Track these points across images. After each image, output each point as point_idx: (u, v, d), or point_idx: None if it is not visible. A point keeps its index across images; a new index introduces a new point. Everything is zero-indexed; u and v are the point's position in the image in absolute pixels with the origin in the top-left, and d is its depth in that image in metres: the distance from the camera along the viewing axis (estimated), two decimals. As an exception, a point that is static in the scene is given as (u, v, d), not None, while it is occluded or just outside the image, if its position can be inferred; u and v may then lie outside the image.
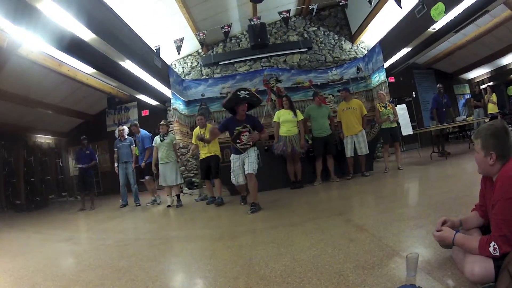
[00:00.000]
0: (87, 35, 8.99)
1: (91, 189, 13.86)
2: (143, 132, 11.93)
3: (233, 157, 8.37)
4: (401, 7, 10.92)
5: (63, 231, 9.24)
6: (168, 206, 10.61)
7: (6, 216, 14.98)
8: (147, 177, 11.34)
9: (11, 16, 7.48)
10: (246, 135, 8.05)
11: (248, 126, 8.10)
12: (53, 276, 4.64)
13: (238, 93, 7.99)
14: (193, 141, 10.64)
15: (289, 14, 12.55)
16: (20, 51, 11.53)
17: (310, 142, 11.04)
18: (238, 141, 8.11)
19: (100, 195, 17.32)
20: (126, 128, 12.12)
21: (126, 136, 12.17)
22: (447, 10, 10.61)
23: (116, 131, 12.28)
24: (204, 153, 10.24)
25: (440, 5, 10.75)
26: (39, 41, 8.71)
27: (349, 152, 10.79)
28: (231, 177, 8.47)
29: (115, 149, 12.26)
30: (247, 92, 8.07)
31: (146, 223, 8.98)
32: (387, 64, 15.07)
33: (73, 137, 20.45)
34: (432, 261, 3.10)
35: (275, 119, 10.51)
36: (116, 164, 12.19)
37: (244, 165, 8.11)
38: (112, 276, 4.23)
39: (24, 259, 5.98)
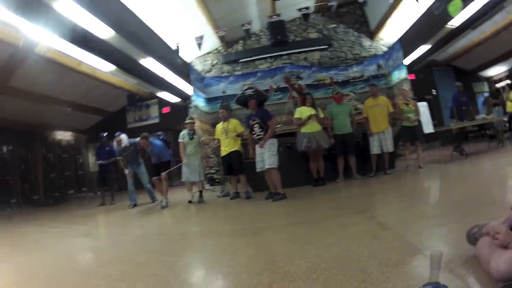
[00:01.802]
0: (106, 33, 9.05)
1: (111, 185, 13.83)
2: (156, 144, 11.29)
3: (256, 146, 9.05)
4: (417, 1, 10.85)
5: (82, 226, 9.23)
6: (189, 202, 10.58)
7: (23, 211, 15.08)
8: (163, 174, 10.96)
9: (27, 15, 7.54)
10: (257, 126, 8.98)
11: (257, 119, 9.03)
12: (71, 271, 4.61)
13: (245, 91, 9.40)
14: (216, 136, 10.68)
15: (308, 10, 12.45)
16: (37, 49, 11.58)
17: (332, 140, 10.75)
18: (252, 132, 9.08)
19: (120, 191, 17.47)
20: (123, 137, 11.60)
21: (128, 142, 11.62)
22: (464, 6, 10.53)
23: (114, 142, 11.94)
24: (225, 149, 10.28)
25: (457, 1, 10.66)
26: (57, 39, 8.79)
27: (375, 150, 10.66)
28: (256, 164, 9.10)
29: (119, 157, 11.95)
30: (253, 90, 9.36)
31: (167, 219, 8.96)
32: (406, 61, 15.05)
33: (93, 134, 20.41)
34: (455, 259, 3.03)
35: (296, 115, 10.37)
36: (127, 171, 11.82)
37: (264, 158, 8.76)
38: (133, 271, 4.20)
39: (40, 254, 5.95)
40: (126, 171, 11.77)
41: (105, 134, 13.56)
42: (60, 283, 4.06)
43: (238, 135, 10.27)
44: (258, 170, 9.03)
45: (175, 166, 11.35)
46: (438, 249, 2.79)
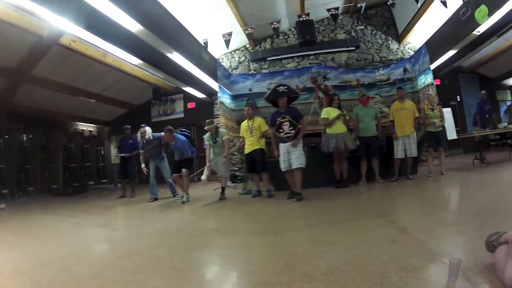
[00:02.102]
0: (134, 27, 9.08)
1: (133, 178, 13.82)
2: (179, 139, 11.19)
3: (280, 145, 8.96)
4: (446, 7, 10.76)
5: (100, 216, 9.29)
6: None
7: (41, 199, 15.13)
8: (184, 170, 10.85)
9: (52, 5, 7.57)
10: (286, 124, 8.73)
11: (288, 116, 8.78)
12: (86, 261, 4.63)
13: (277, 88, 9.14)
14: (240, 133, 10.80)
15: (338, 12, 12.41)
16: (62, 40, 11.82)
17: (357, 142, 10.72)
18: (280, 130, 8.83)
19: (141, 184, 17.57)
20: (147, 129, 11.75)
21: (151, 136, 11.73)
22: (490, 13, 10.41)
23: (138, 134, 12.06)
24: (249, 147, 10.33)
25: (484, 8, 10.55)
26: (83, 31, 8.79)
27: (399, 154, 10.59)
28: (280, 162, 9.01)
29: (141, 150, 11.97)
30: (286, 87, 9.14)
31: (187, 214, 8.95)
32: (432, 66, 14.82)
33: (116, 126, 20.69)
34: (472, 267, 3.03)
35: (323, 115, 10.36)
36: (143, 165, 11.85)
37: (291, 159, 8.68)
38: (151, 264, 4.20)
39: (56, 242, 6.00)
40: (143, 165, 11.81)
41: (129, 127, 13.54)
42: (74, 271, 4.08)
43: (262, 135, 10.25)
44: (283, 169, 8.92)
45: (198, 171, 11.62)
46: (457, 257, 2.84)
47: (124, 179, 13.69)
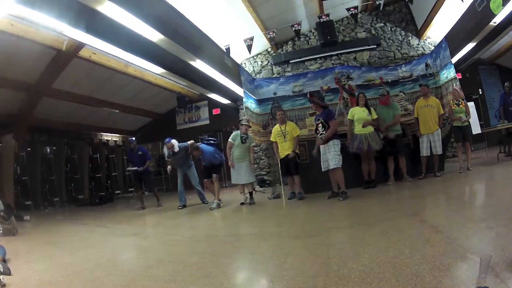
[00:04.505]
0: (154, 36, 9.09)
1: (151, 188, 13.65)
2: (206, 151, 11.14)
3: (320, 146, 9.28)
4: (462, 1, 10.66)
5: (129, 225, 9.34)
6: (242, 203, 10.59)
7: (67, 210, 15.31)
8: (214, 175, 11.00)
9: (71, 19, 7.62)
10: (320, 126, 9.17)
11: (321, 118, 9.19)
12: (118, 270, 4.65)
13: (309, 100, 9.89)
14: (272, 138, 10.84)
15: (357, 10, 12.38)
16: (82, 53, 11.93)
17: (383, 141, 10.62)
18: (317, 131, 9.32)
19: (168, 191, 17.44)
20: (174, 142, 11.60)
21: (177, 147, 11.61)
22: (504, 2, 10.27)
23: (165, 149, 11.83)
24: (283, 152, 10.41)
25: (498, -2, 10.44)
26: (102, 43, 8.85)
27: (424, 151, 10.49)
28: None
29: (168, 159, 12.00)
30: (309, 99, 10.16)
31: (218, 220, 8.98)
32: (453, 60, 14.72)
33: (142, 135, 21.36)
34: (501, 262, 3.03)
35: (349, 116, 10.42)
36: (169, 167, 12.11)
37: (328, 160, 9.01)
38: (184, 272, 4.21)
39: (86, 252, 5.98)
40: (169, 167, 12.09)
41: (133, 139, 13.36)
42: (104, 282, 4.10)
43: (295, 143, 10.35)
44: (323, 170, 9.17)
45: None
46: (487, 254, 2.92)
47: (140, 190, 13.42)
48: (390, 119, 10.55)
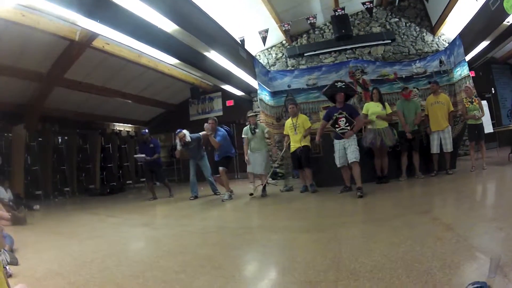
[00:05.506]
0: (169, 27, 9.11)
1: (161, 180, 13.56)
2: (220, 130, 11.15)
3: (335, 141, 9.11)
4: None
5: (140, 216, 9.35)
6: (251, 194, 10.60)
7: (77, 200, 15.31)
8: (221, 169, 10.88)
9: (84, 10, 7.66)
10: (343, 120, 8.80)
11: (344, 112, 8.83)
12: (128, 261, 4.65)
13: (336, 83, 9.20)
14: (285, 131, 10.86)
15: (373, 5, 12.35)
16: (95, 43, 12.01)
17: (396, 136, 10.60)
18: (336, 126, 8.91)
19: (180, 182, 17.43)
20: (185, 132, 11.59)
21: (190, 138, 11.59)
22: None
23: (177, 139, 11.78)
24: (294, 145, 10.42)
25: (512, -3, 10.37)
26: (116, 33, 8.94)
27: (435, 149, 10.45)
28: (335, 159, 9.13)
29: (179, 148, 11.80)
30: (344, 83, 9.19)
31: (229, 212, 8.96)
32: (467, 57, 14.70)
33: (155, 126, 21.52)
34: (510, 263, 3.03)
35: (363, 111, 10.43)
36: (177, 151, 11.90)
37: (347, 153, 8.80)
38: (195, 263, 4.20)
39: (95, 242, 5.99)
40: (177, 152, 11.94)
41: (146, 131, 13.42)
42: (114, 272, 4.10)
43: (307, 134, 10.36)
44: (339, 165, 9.06)
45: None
46: (497, 254, 2.96)
47: (150, 182, 13.44)
48: (412, 114, 10.53)
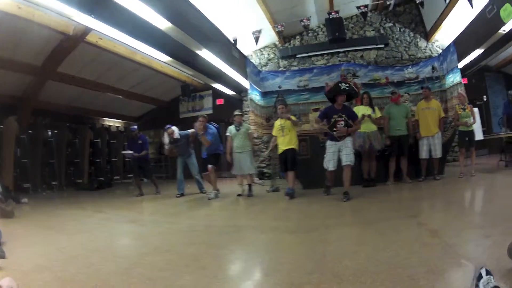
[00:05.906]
0: (163, 24, 9.13)
1: (149, 176, 13.69)
2: (210, 128, 11.23)
3: (329, 143, 8.89)
4: (472, 7, 10.68)
5: (127, 212, 9.33)
6: (239, 195, 10.66)
7: (65, 194, 15.25)
8: (210, 166, 10.91)
9: (80, 4, 7.72)
10: (341, 123, 8.54)
11: (344, 115, 8.64)
12: (114, 257, 4.66)
13: (340, 84, 8.89)
14: (273, 132, 10.68)
15: (367, 9, 12.39)
16: (89, 38, 12.03)
17: (385, 141, 10.67)
18: (334, 129, 8.61)
19: (168, 179, 17.41)
20: (174, 129, 11.65)
21: (179, 135, 11.66)
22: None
23: (165, 135, 11.85)
24: (281, 147, 10.26)
25: (508, 7, 10.48)
26: (109, 29, 8.99)
27: (424, 154, 10.49)
28: (324, 161, 8.90)
29: (169, 145, 11.85)
30: (347, 85, 8.88)
31: (216, 211, 8.95)
32: (460, 64, 14.81)
33: (145, 122, 21.56)
34: (495, 271, 2.97)
35: None
36: (166, 148, 11.99)
37: (341, 155, 8.61)
38: (180, 262, 4.21)
39: (82, 237, 5.98)
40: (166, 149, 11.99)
41: (135, 127, 13.33)
42: (99, 268, 4.10)
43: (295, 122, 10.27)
44: (331, 169, 8.82)
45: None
46: (481, 263, 2.95)
47: (138, 177, 13.30)
48: (400, 119, 10.55)
